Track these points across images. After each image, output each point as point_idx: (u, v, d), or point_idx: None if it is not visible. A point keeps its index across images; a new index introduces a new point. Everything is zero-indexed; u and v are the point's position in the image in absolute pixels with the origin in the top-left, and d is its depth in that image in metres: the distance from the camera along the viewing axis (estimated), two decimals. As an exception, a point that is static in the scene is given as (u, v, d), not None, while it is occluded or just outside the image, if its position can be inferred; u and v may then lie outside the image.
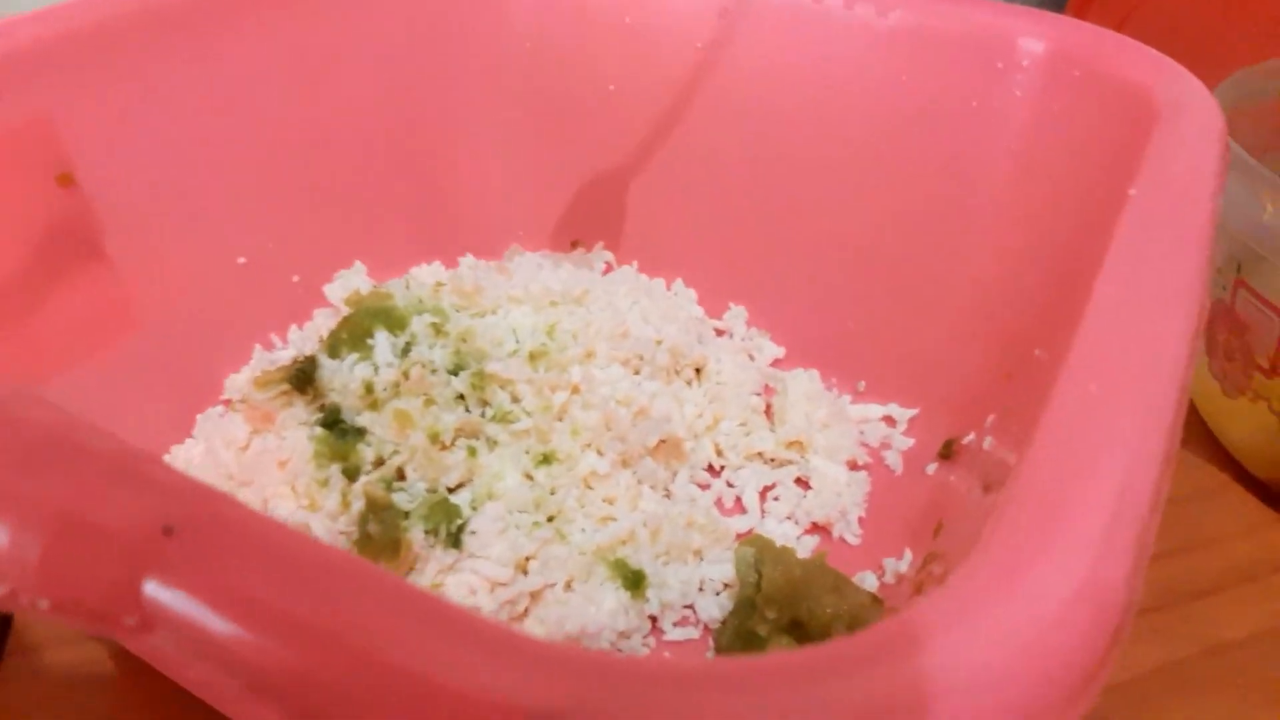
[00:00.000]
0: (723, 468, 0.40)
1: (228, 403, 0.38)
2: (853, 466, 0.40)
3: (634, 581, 0.33)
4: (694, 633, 0.34)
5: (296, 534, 0.15)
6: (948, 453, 0.39)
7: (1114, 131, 0.33)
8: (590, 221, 0.47)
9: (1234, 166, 0.37)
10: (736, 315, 0.46)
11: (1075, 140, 0.35)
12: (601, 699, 0.13)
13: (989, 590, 0.15)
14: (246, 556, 0.15)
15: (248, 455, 0.34)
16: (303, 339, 0.40)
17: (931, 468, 0.39)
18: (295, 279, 0.42)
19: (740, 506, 0.39)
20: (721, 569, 0.35)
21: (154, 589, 0.15)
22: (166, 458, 0.37)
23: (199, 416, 0.38)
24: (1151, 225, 0.25)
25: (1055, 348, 0.29)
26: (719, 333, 0.46)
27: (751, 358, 0.44)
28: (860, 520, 0.38)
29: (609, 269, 0.46)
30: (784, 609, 0.30)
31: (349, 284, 0.41)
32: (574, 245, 0.47)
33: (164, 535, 0.15)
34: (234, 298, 0.40)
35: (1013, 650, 0.14)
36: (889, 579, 0.35)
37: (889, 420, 0.42)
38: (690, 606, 0.34)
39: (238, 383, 0.38)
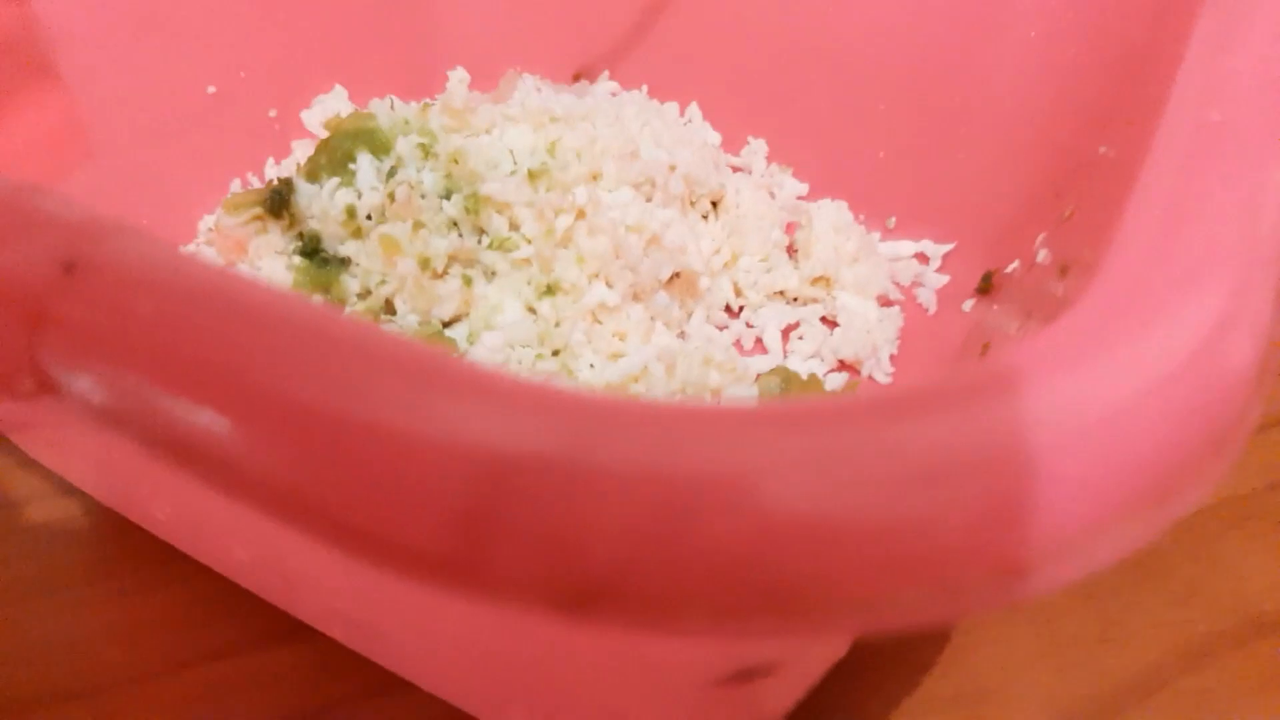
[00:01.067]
0: (741, 308, 0.37)
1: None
2: (884, 303, 0.37)
3: (648, 420, 0.30)
4: (713, 474, 0.31)
5: (219, 270, 0.12)
6: (986, 286, 0.36)
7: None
8: (594, 48, 0.43)
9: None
10: (756, 150, 0.42)
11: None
12: (601, 443, 0.10)
13: (1108, 328, 0.12)
14: (158, 298, 0.12)
15: (222, 290, 0.31)
16: (281, 173, 0.36)
17: (969, 304, 0.36)
18: (272, 113, 0.39)
19: (761, 348, 0.36)
20: (743, 407, 0.32)
21: (51, 347, 0.12)
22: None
23: (171, 257, 0.35)
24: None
25: (1127, 139, 0.26)
26: (736, 170, 0.42)
27: (772, 195, 0.40)
28: (892, 358, 0.35)
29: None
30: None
31: (328, 109, 0.37)
32: (576, 78, 0.43)
33: (63, 274, 0.12)
34: (204, 130, 0.37)
35: (1135, 395, 0.11)
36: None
37: (921, 257, 0.39)
38: (709, 448, 0.32)
39: (211, 223, 0.35)
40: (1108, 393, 0.12)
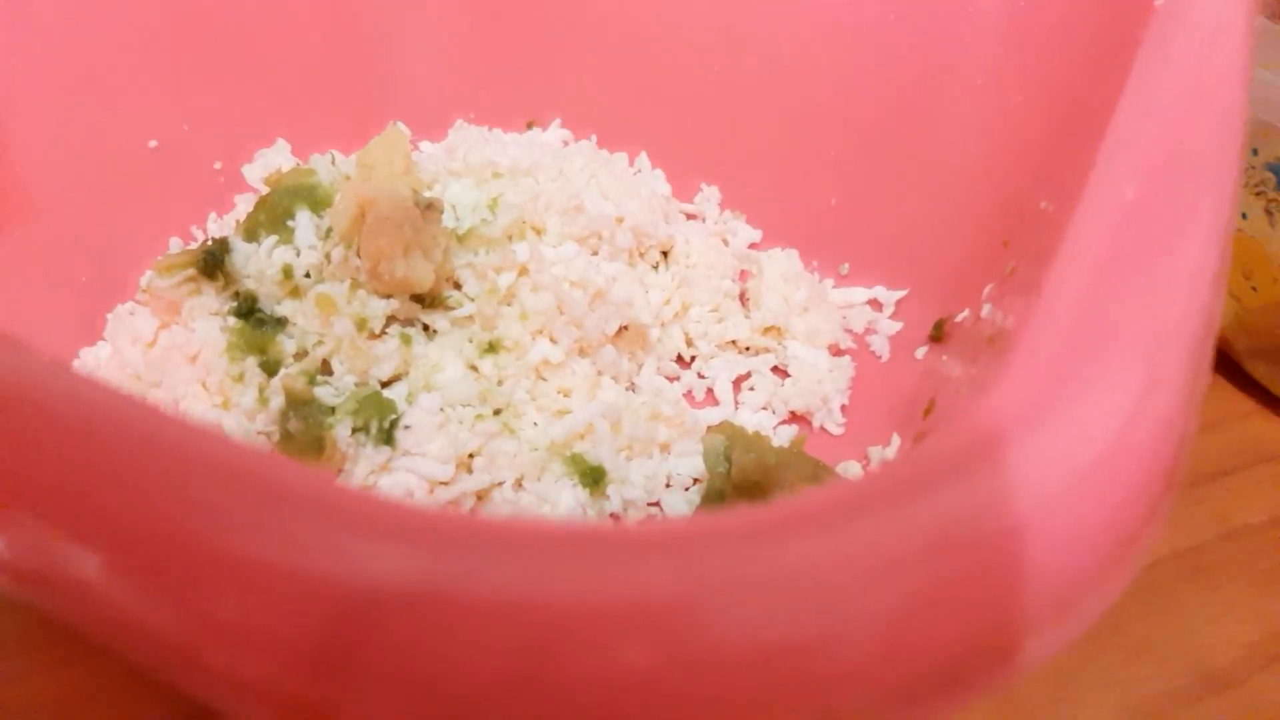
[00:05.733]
0: (693, 358, 0.36)
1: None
2: (835, 352, 0.36)
3: (593, 478, 0.30)
4: (661, 533, 0.31)
5: (82, 384, 0.11)
6: (938, 334, 0.36)
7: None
8: (545, 97, 0.43)
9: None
10: (709, 197, 0.42)
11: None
12: (464, 573, 0.10)
13: (1052, 393, 0.12)
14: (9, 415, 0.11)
15: (155, 352, 0.30)
16: (223, 228, 0.36)
17: (921, 351, 0.36)
18: (217, 165, 0.38)
19: (712, 398, 0.35)
20: (690, 462, 0.32)
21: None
22: (75, 362, 0.33)
23: (109, 316, 0.34)
24: (1181, 36, 0.21)
25: (1065, 194, 0.26)
26: (690, 217, 0.42)
27: (725, 242, 0.40)
28: (843, 409, 0.35)
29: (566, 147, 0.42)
30: (756, 499, 0.27)
31: (270, 163, 0.37)
32: (529, 125, 0.43)
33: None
34: (146, 185, 0.36)
35: (1097, 456, 0.11)
36: (874, 468, 0.32)
37: (875, 304, 0.38)
38: (656, 504, 0.31)
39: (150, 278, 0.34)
40: (1073, 457, 0.12)
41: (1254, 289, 0.36)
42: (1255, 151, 0.34)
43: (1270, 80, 0.33)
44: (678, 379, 0.36)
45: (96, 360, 0.33)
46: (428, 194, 0.32)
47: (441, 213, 0.29)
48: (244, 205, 0.36)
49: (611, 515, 0.31)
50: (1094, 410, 0.12)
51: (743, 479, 0.27)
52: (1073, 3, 0.31)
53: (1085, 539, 0.12)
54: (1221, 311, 0.16)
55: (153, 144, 0.36)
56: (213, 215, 0.37)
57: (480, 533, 0.10)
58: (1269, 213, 0.34)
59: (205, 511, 0.10)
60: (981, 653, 0.11)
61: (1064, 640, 0.12)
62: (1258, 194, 0.34)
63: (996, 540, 0.11)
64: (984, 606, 0.11)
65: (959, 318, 0.34)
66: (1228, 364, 0.38)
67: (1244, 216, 0.35)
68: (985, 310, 0.30)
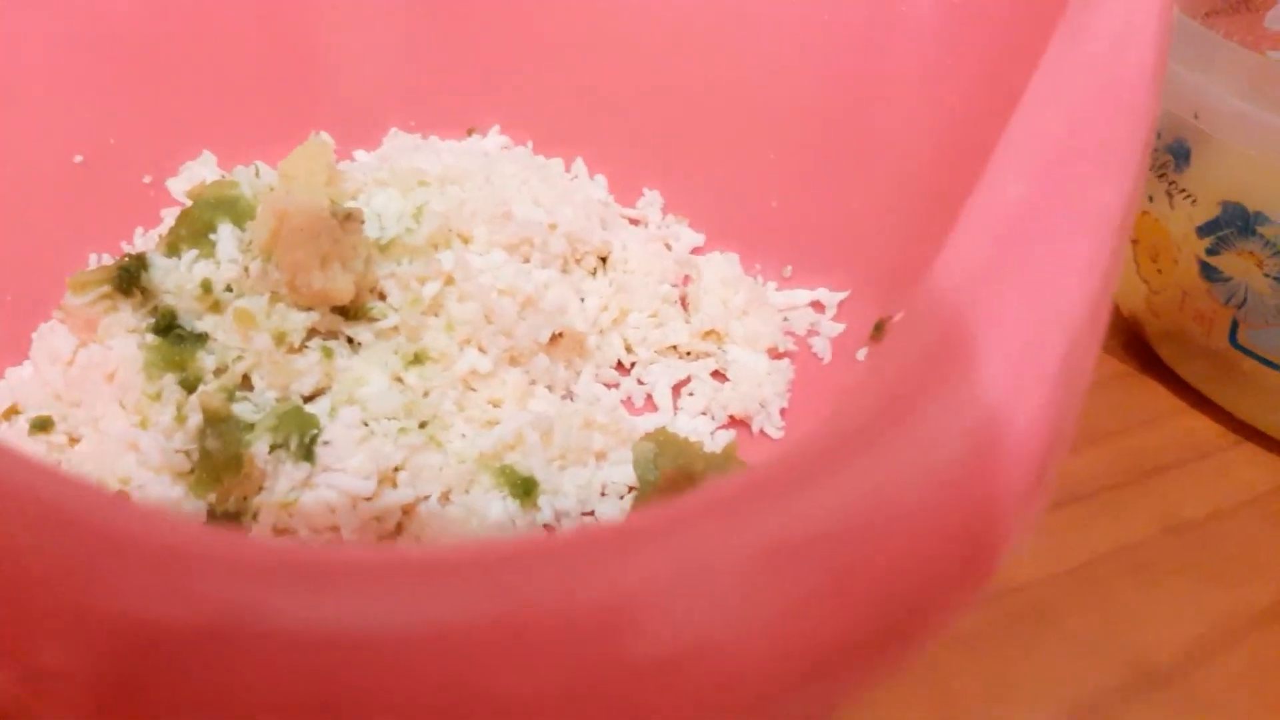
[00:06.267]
0: (633, 364, 0.36)
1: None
2: (774, 355, 0.36)
3: (524, 489, 0.29)
4: (595, 543, 0.30)
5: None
6: (879, 335, 0.35)
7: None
8: (484, 104, 0.42)
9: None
10: (651, 201, 0.41)
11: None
12: (259, 606, 0.09)
13: (896, 406, 0.12)
14: None
15: (74, 371, 0.30)
16: (148, 243, 0.35)
17: (863, 353, 0.36)
18: (146, 179, 0.38)
19: (652, 404, 0.35)
20: (625, 470, 0.31)
21: None
22: (0, 382, 0.33)
23: (33, 334, 0.33)
24: (1091, 27, 0.21)
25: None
26: (633, 222, 0.41)
27: (668, 247, 0.40)
28: (783, 412, 0.35)
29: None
30: (683, 508, 0.27)
31: (195, 176, 0.36)
32: (469, 132, 0.43)
33: None
34: (72, 201, 0.36)
35: (906, 493, 0.11)
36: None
37: (817, 306, 0.38)
38: (591, 514, 0.31)
39: (74, 295, 0.33)
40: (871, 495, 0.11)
41: (1159, 271, 0.36)
42: (1159, 134, 0.34)
43: (1178, 73, 0.33)
44: (617, 385, 0.35)
45: (20, 379, 0.32)
46: (351, 204, 0.31)
47: (362, 223, 0.29)
48: (170, 220, 0.36)
49: (545, 526, 0.30)
50: (950, 415, 0.12)
51: (669, 487, 0.27)
52: (1009, 2, 0.31)
53: (943, 546, 0.11)
54: (1109, 312, 0.15)
55: (78, 159, 0.36)
56: (139, 230, 0.36)
57: (283, 563, 0.10)
58: (1169, 195, 0.34)
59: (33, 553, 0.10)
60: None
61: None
62: (1160, 176, 0.34)
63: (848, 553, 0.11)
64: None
65: (898, 318, 0.34)
66: (1157, 364, 0.38)
67: (1150, 199, 0.35)
68: (913, 310, 0.29)
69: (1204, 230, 0.34)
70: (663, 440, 0.29)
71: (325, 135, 0.36)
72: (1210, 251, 0.34)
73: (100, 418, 0.29)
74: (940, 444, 0.12)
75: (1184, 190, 0.34)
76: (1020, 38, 0.30)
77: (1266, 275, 0.32)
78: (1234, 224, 0.33)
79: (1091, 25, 0.21)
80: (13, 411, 0.30)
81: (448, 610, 0.09)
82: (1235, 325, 0.34)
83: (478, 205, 0.32)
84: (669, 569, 0.11)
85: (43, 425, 0.29)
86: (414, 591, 0.09)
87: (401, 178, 0.33)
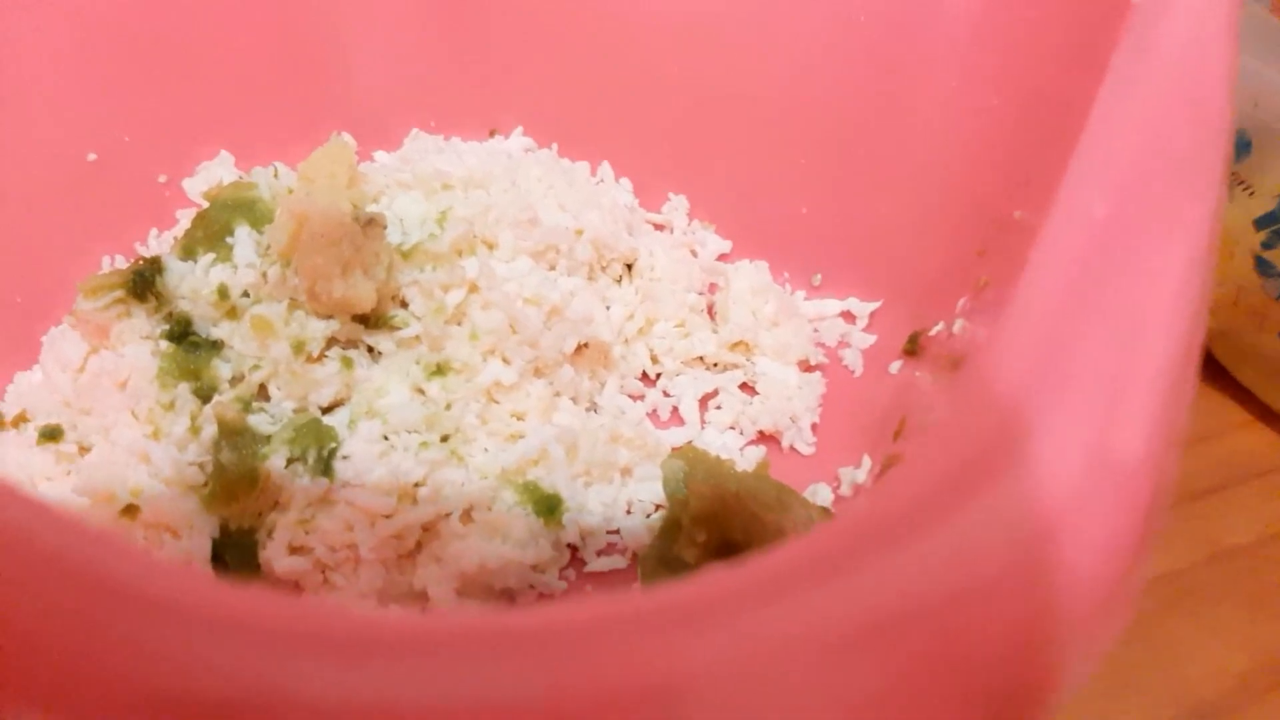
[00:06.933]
0: (659, 375, 0.35)
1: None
2: (805, 368, 0.35)
3: (547, 506, 0.28)
4: (620, 562, 0.29)
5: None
6: (913, 348, 0.34)
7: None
8: (507, 104, 0.41)
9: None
10: (676, 206, 0.40)
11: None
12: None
13: (958, 482, 0.10)
14: None
15: (84, 378, 0.29)
16: (162, 245, 0.34)
17: (895, 366, 0.34)
18: (161, 178, 0.37)
19: (678, 418, 0.34)
20: (652, 487, 0.30)
21: None
22: (9, 386, 0.32)
23: (43, 338, 0.32)
24: (1160, 33, 0.20)
25: (1040, 204, 0.25)
26: (658, 227, 0.40)
27: (694, 253, 0.39)
28: (814, 427, 0.33)
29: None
30: (715, 530, 0.26)
31: (212, 177, 0.35)
32: (491, 133, 0.42)
33: None
34: (85, 200, 0.35)
35: (1003, 557, 0.10)
36: (845, 491, 0.30)
37: (848, 316, 0.37)
38: (616, 532, 0.30)
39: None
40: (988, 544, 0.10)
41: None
42: None
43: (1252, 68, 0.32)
44: (642, 398, 0.34)
45: (30, 385, 0.31)
46: (374, 207, 0.30)
47: (384, 228, 0.28)
48: (186, 221, 0.35)
49: (568, 546, 0.29)
50: (1051, 461, 0.11)
51: (701, 509, 0.26)
52: (1046, 5, 0.30)
53: (1041, 609, 0.10)
54: (1204, 333, 0.14)
55: (92, 157, 0.35)
56: (154, 231, 0.35)
57: (319, 631, 0.08)
58: (1229, 187, 0.33)
59: (57, 617, 0.09)
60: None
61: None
62: None
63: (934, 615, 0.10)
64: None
65: (933, 331, 0.33)
66: (1220, 373, 0.37)
67: None
68: (957, 325, 0.28)
69: (1262, 222, 0.32)
70: (692, 458, 0.28)
71: (347, 136, 0.35)
72: (1266, 245, 0.33)
73: (111, 427, 0.28)
74: (990, 544, 0.11)
75: (1242, 181, 0.33)
76: (1060, 39, 0.29)
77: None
78: (1293, 217, 0.32)
79: (1161, 30, 0.20)
80: (21, 419, 0.29)
81: (487, 687, 0.08)
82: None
83: (503, 210, 0.31)
84: (716, 656, 0.10)
85: (52, 434, 0.28)
86: (454, 666, 0.08)
87: (425, 180, 0.32)
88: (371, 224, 0.27)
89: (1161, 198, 0.15)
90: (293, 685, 0.08)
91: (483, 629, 0.09)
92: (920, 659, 0.10)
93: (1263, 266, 0.33)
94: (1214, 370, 0.37)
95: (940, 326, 0.32)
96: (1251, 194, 0.33)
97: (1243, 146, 0.33)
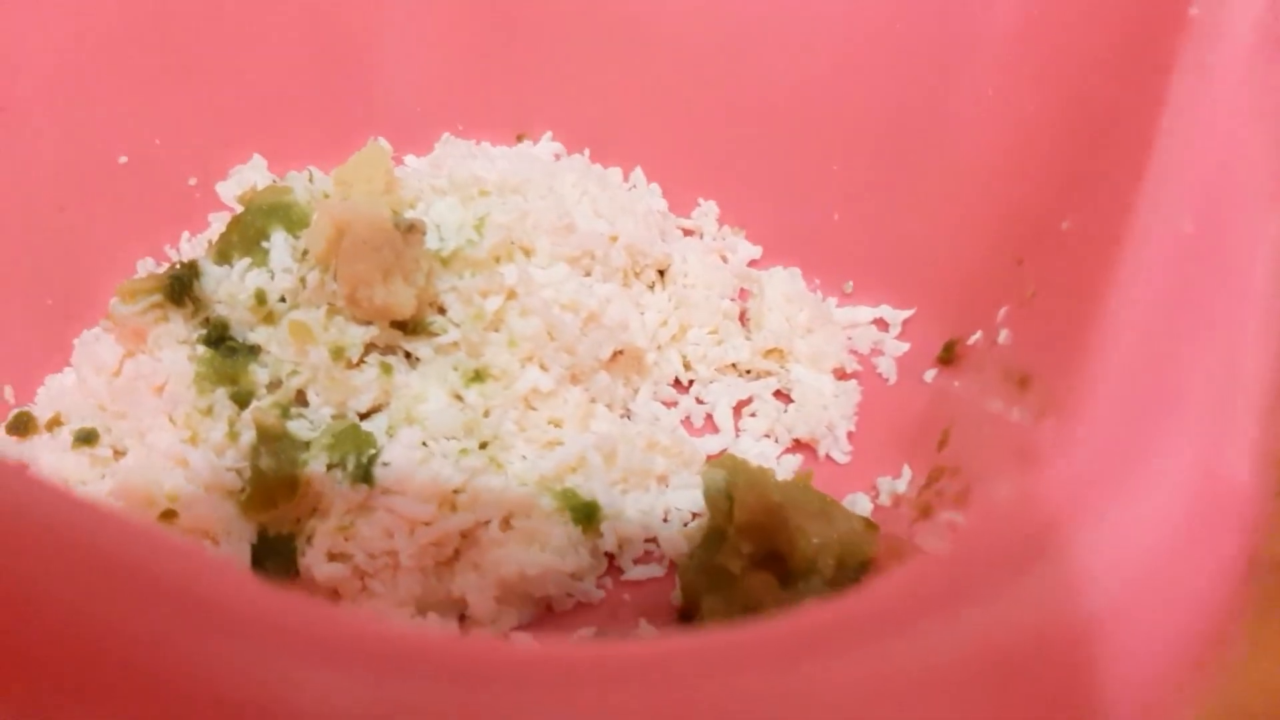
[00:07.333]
0: (691, 382, 0.35)
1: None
2: (840, 376, 0.35)
3: (586, 514, 0.28)
4: (658, 570, 0.29)
5: None
6: (949, 356, 0.34)
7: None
8: (536, 109, 0.41)
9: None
10: (706, 212, 0.40)
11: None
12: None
13: (1097, 490, 0.10)
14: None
15: (120, 382, 0.29)
16: (196, 248, 0.34)
17: (930, 374, 0.34)
18: (191, 181, 0.37)
19: (712, 425, 0.34)
20: (689, 495, 0.30)
21: None
22: (40, 389, 0.31)
23: (75, 341, 0.32)
24: (1225, 43, 0.19)
25: (1091, 215, 0.24)
26: (687, 233, 0.40)
27: (724, 259, 0.38)
28: (849, 435, 0.33)
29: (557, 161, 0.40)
30: (760, 540, 0.25)
31: (245, 181, 0.35)
32: (519, 139, 0.41)
33: None
34: (116, 203, 0.35)
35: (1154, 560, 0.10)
36: (884, 500, 0.30)
37: (881, 324, 0.37)
38: (653, 540, 0.29)
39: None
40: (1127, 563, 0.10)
41: None
42: None
43: None
44: (675, 404, 0.34)
45: (62, 388, 0.31)
46: (410, 213, 0.30)
47: (424, 234, 0.28)
48: (218, 225, 0.35)
49: (606, 554, 0.29)
50: (1157, 496, 0.10)
51: (746, 520, 0.25)
52: (1089, 6, 0.30)
53: (1154, 648, 0.10)
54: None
55: (123, 159, 0.35)
56: (186, 234, 0.35)
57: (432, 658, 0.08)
58: None
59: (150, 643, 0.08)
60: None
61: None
62: None
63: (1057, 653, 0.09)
64: None
65: (971, 340, 0.32)
66: None
67: None
68: (1002, 336, 0.28)
69: None
70: (733, 467, 0.27)
71: (383, 141, 0.35)
72: None
73: (147, 431, 0.28)
74: (1087, 593, 0.10)
75: None
76: (1102, 44, 0.29)
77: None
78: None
79: (1224, 44, 0.20)
80: (55, 423, 0.29)
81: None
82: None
83: (540, 216, 0.31)
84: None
85: (87, 438, 0.28)
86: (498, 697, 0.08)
87: (461, 186, 0.31)
88: (412, 230, 0.27)
89: (1244, 212, 0.15)
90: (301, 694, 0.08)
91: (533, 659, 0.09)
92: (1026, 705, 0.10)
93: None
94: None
95: (978, 335, 0.32)
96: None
97: None
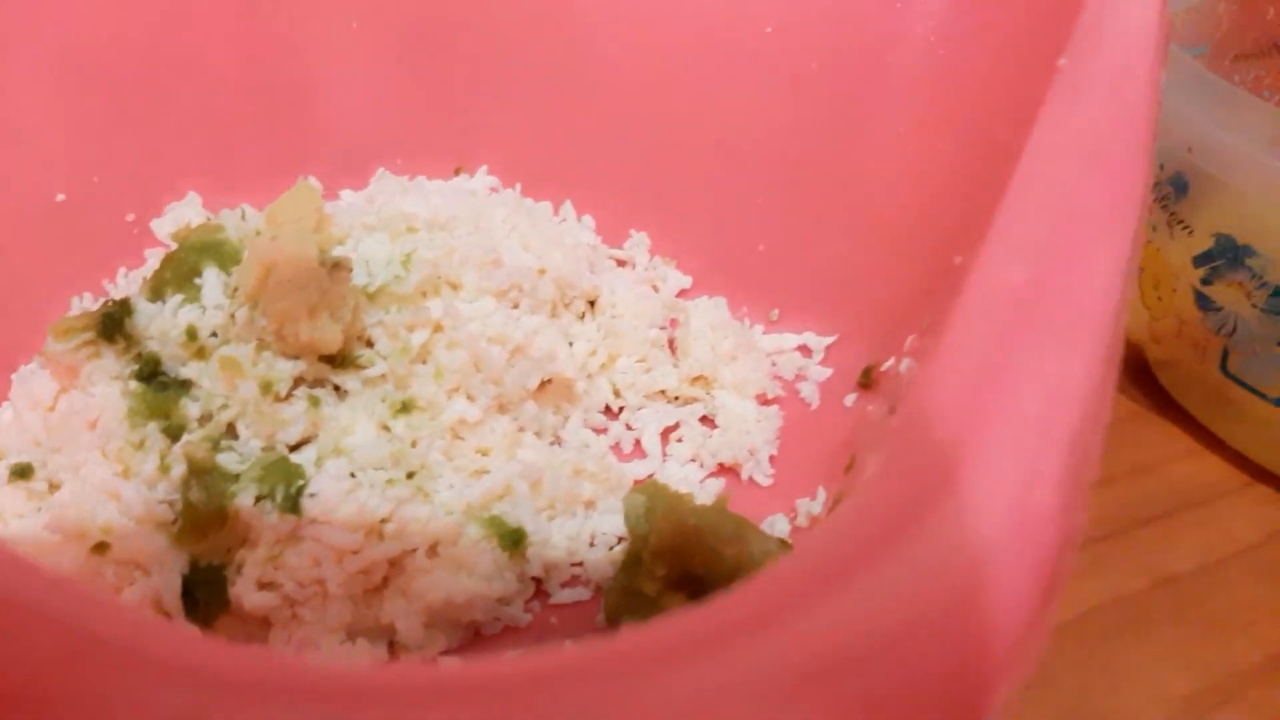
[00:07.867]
0: (622, 409, 0.36)
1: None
2: (763, 401, 0.36)
3: (512, 540, 0.29)
4: (584, 593, 0.30)
5: None
6: (867, 381, 0.35)
7: (1037, 19, 0.29)
8: (473, 144, 0.42)
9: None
10: (638, 243, 0.41)
11: (994, 31, 0.31)
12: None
13: (891, 529, 0.11)
14: None
15: (54, 417, 0.29)
16: (131, 285, 0.35)
17: (850, 399, 0.35)
18: (129, 218, 0.37)
19: (640, 451, 0.35)
20: (615, 520, 0.31)
21: None
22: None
23: (13, 376, 0.33)
24: (1082, 94, 0.21)
25: (975, 250, 0.26)
26: (620, 263, 0.41)
27: (655, 289, 0.40)
28: (772, 459, 0.34)
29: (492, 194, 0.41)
30: (675, 563, 0.26)
31: (180, 217, 0.36)
32: (457, 172, 0.43)
33: None
34: (54, 240, 0.35)
35: (936, 600, 0.11)
36: (801, 521, 0.31)
37: (804, 350, 0.38)
38: (580, 564, 0.30)
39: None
40: (902, 603, 0.11)
41: (1160, 299, 0.36)
42: (1161, 166, 0.35)
43: (1174, 108, 0.33)
44: (605, 431, 0.35)
45: (2, 424, 0.31)
46: (339, 249, 0.31)
47: (350, 271, 0.28)
48: (154, 261, 0.35)
49: (533, 579, 0.30)
50: (977, 510, 0.11)
51: (662, 543, 0.26)
52: (996, 53, 0.32)
53: (973, 648, 0.11)
54: (1114, 393, 0.15)
55: (60, 197, 0.35)
56: (122, 270, 0.36)
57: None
58: (1169, 225, 0.35)
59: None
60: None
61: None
62: (1162, 206, 0.35)
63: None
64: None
65: (885, 366, 0.34)
66: (1167, 402, 0.38)
67: (1153, 229, 0.36)
68: (904, 365, 0.29)
69: (1199, 261, 0.34)
70: (653, 492, 0.29)
71: (313, 180, 0.36)
72: (1204, 281, 0.34)
73: (81, 465, 0.28)
74: (924, 587, 0.12)
75: (1182, 221, 0.35)
76: (1010, 90, 0.30)
77: (1254, 306, 0.33)
78: (1225, 255, 0.33)
79: (1082, 94, 0.21)
80: (-10, 458, 0.30)
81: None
82: (1226, 354, 0.35)
83: (467, 252, 0.32)
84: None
85: (23, 472, 0.29)
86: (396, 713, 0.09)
87: (390, 223, 0.32)
88: (338, 268, 0.28)
89: (1076, 260, 0.16)
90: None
91: (416, 679, 0.10)
92: (863, 701, 0.11)
93: (1202, 301, 0.35)
94: (1161, 399, 0.39)
95: (891, 362, 0.33)
96: (1190, 233, 0.34)
97: (1180, 188, 0.34)
